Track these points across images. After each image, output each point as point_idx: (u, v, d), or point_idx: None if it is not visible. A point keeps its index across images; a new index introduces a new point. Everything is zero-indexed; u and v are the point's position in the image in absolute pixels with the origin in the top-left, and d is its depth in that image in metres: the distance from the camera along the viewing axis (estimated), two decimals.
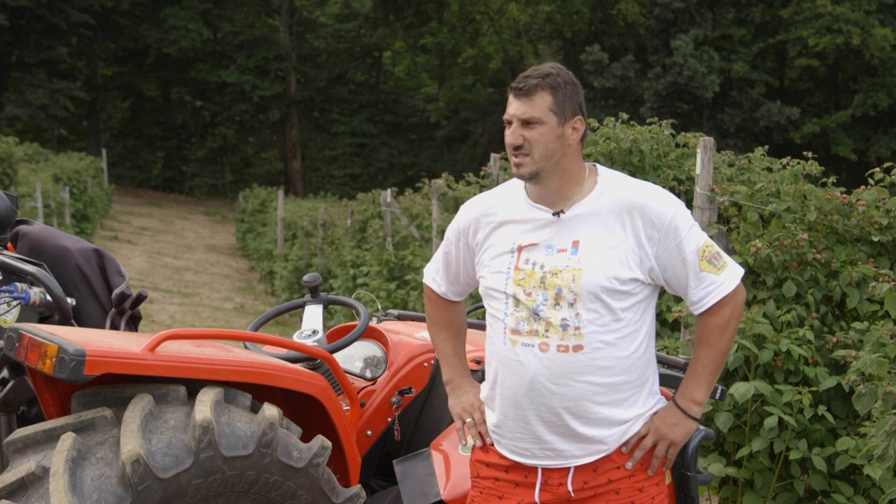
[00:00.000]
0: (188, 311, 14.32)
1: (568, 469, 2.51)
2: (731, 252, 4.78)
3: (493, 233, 2.57)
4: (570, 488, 2.51)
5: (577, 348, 2.43)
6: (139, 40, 37.02)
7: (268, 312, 3.74)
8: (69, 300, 3.00)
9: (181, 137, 39.97)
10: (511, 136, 2.46)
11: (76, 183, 21.38)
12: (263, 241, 20.03)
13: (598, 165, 2.58)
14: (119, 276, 3.20)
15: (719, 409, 4.31)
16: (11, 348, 2.51)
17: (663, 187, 2.62)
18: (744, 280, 2.57)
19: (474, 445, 2.68)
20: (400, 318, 4.10)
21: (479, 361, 3.10)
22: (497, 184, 7.26)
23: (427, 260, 8.39)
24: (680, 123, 8.86)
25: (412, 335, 3.66)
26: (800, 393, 4.20)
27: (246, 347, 3.35)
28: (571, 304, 2.43)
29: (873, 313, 4.48)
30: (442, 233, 8.39)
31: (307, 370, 2.94)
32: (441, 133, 38.06)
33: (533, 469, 2.54)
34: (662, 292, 2.84)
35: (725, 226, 5.04)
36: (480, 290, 2.61)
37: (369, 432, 3.40)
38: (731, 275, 2.51)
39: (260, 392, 2.80)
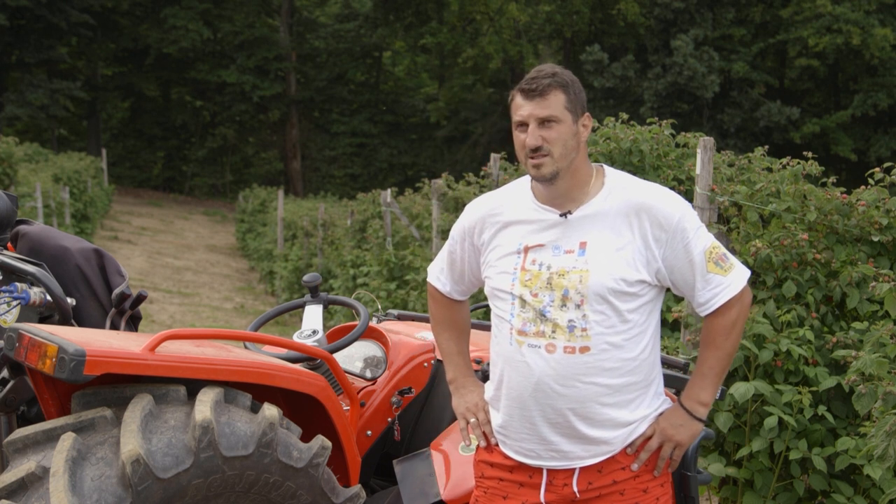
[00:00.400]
0: (188, 311, 14.32)
1: (573, 470, 2.51)
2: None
3: (499, 233, 2.57)
4: (575, 489, 2.51)
5: (584, 350, 2.43)
6: (139, 40, 37.02)
7: (268, 312, 3.74)
8: (69, 300, 3.00)
9: (181, 137, 39.96)
10: (531, 137, 2.42)
11: (76, 183, 21.37)
12: (263, 241, 20.02)
13: (605, 166, 2.57)
14: (119, 276, 3.20)
15: (719, 409, 4.31)
16: (11, 348, 2.51)
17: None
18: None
19: (477, 445, 2.68)
20: (400, 318, 4.11)
21: (479, 361, 3.10)
22: (497, 184, 7.27)
23: (427, 260, 8.40)
24: (680, 123, 8.86)
25: (412, 335, 3.66)
26: (800, 393, 4.20)
27: (246, 347, 3.35)
28: (578, 306, 2.42)
29: (873, 313, 4.47)
30: (442, 233, 8.39)
31: (307, 370, 2.94)
32: (441, 133, 38.06)
33: (538, 470, 2.54)
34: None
35: (725, 226, 5.04)
36: (486, 291, 2.61)
37: (369, 432, 3.40)
38: (737, 276, 2.51)
39: (260, 392, 2.80)
